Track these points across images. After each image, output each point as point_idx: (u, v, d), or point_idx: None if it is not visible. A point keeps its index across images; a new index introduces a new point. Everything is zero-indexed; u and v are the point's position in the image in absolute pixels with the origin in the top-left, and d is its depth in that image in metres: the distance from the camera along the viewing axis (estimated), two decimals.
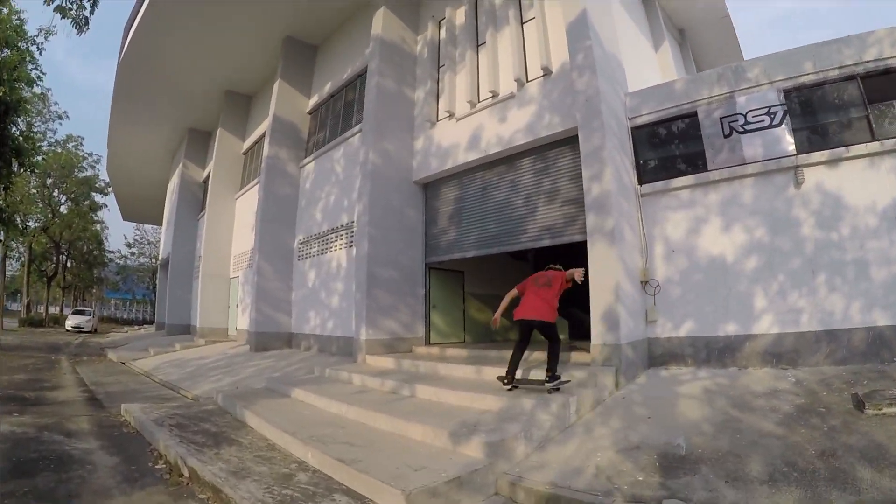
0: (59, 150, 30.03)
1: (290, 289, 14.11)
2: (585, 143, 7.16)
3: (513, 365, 6.01)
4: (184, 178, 22.21)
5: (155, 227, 44.50)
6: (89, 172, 33.20)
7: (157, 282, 27.10)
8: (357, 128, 12.21)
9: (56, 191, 32.00)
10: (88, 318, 30.84)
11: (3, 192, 15.73)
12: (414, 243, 10.98)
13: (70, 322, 29.86)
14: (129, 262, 42.99)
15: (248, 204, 17.33)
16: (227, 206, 18.39)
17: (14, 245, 30.88)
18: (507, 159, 9.18)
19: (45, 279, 36.13)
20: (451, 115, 10.16)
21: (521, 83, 8.93)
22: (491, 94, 9.38)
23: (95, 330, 30.81)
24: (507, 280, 7.58)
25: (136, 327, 35.02)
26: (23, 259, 32.76)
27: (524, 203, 8.84)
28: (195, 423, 6.28)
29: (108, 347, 18.72)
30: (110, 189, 33.95)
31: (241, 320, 16.29)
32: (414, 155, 11.15)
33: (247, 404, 6.87)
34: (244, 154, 18.81)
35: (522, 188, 8.93)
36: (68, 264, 38.36)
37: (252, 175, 17.55)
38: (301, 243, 14.13)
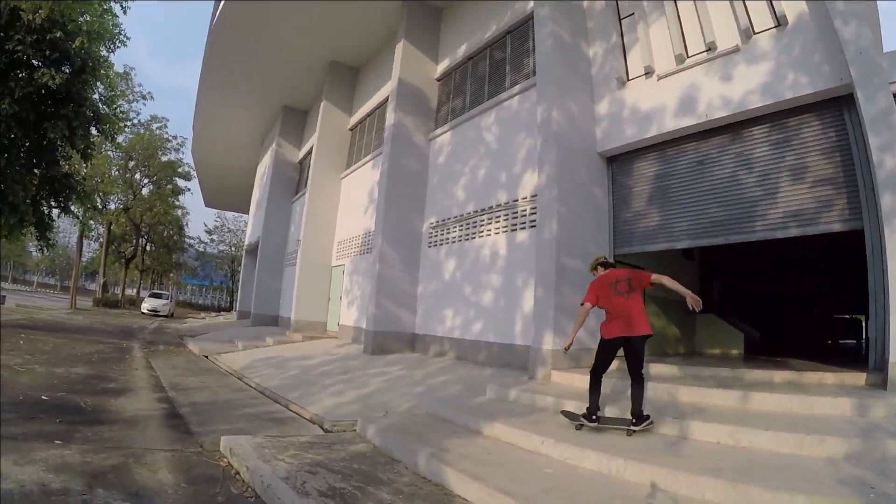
0: (143, 132, 29.29)
1: (415, 281, 11.68)
2: (868, 105, 5.50)
3: (596, 396, 4.94)
4: (277, 159, 20.50)
5: (236, 214, 44.15)
6: (173, 156, 32.54)
7: (242, 269, 25.83)
8: (517, 88, 9.96)
9: (138, 173, 31.37)
10: (166, 301, 29.93)
11: (83, 162, 14.20)
12: (601, 229, 8.32)
13: (146, 305, 28.85)
14: (208, 248, 42.86)
15: (357, 183, 15.23)
16: (332, 186, 16.29)
17: (94, 225, 30.41)
18: (731, 127, 7.07)
19: (123, 261, 35.78)
20: (649, 73, 7.90)
21: (748, 34, 6.91)
22: (706, 48, 7.30)
23: (172, 314, 29.89)
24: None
25: (214, 314, 34.21)
26: (101, 240, 32.33)
27: (758, 182, 6.76)
28: (359, 487, 3.75)
29: (187, 336, 16.98)
30: (194, 174, 33.29)
31: (347, 315, 14.13)
32: (597, 121, 8.56)
33: (436, 452, 4.44)
34: (351, 130, 16.71)
35: (755, 163, 6.84)
36: (147, 247, 38.12)
37: (363, 151, 15.38)
38: (433, 227, 11.63)
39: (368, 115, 15.49)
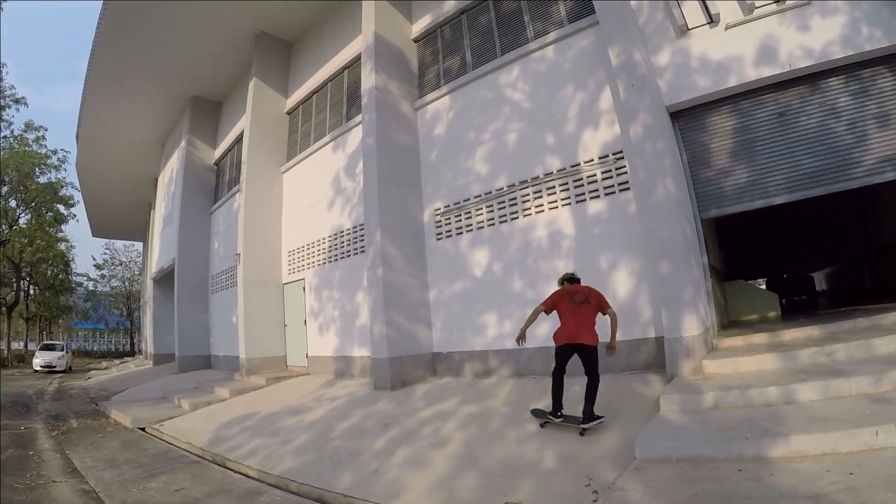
0: (16, 145, 23.13)
1: (424, 286, 8.85)
2: None
3: (559, 395, 5.04)
4: (189, 161, 16.28)
5: (127, 244, 37.61)
6: (54, 175, 26.23)
7: (151, 303, 20.70)
8: (552, 35, 7.92)
9: (13, 199, 24.86)
10: (61, 353, 23.55)
11: None
12: (683, 191, 6.50)
13: (39, 360, 22.64)
14: (98, 286, 35.69)
15: (308, 175, 11.89)
16: (272, 182, 12.60)
17: None
18: (809, 78, 6.44)
19: (3, 308, 28.76)
20: (713, 23, 6.69)
21: None
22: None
23: (70, 368, 23.69)
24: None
25: (118, 361, 28.16)
26: None
27: (847, 130, 6.27)
28: None
29: (102, 398, 12.54)
30: (78, 197, 27.21)
31: (320, 343, 10.74)
32: (659, 72, 6.86)
33: None
34: (289, 113, 13.34)
35: (841, 112, 6.33)
36: (30, 290, 30.84)
37: (312, 136, 12.08)
38: (442, 214, 8.88)
39: (316, 90, 12.26)
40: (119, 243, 36.55)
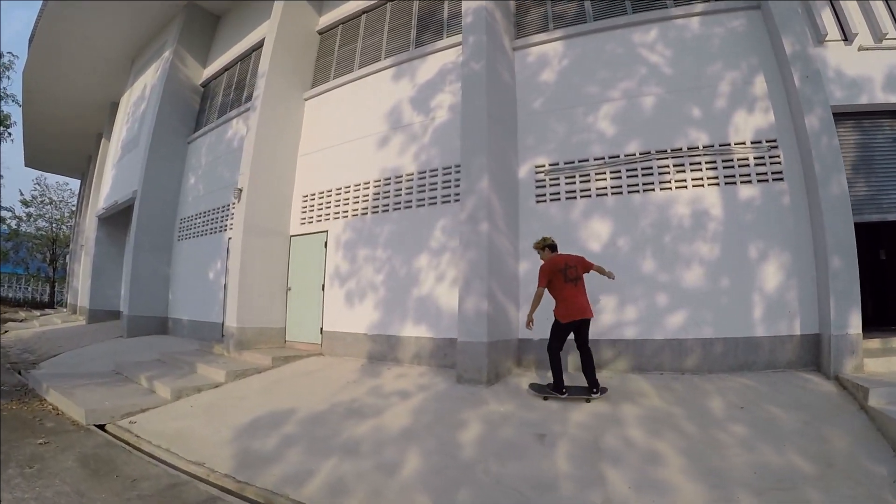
0: None
1: (516, 255, 6.73)
2: None
3: (561, 371, 5.07)
4: (172, 77, 12.97)
5: (61, 181, 32.55)
6: None
7: (90, 246, 17.05)
8: (700, 6, 6.82)
9: None
10: None
11: None
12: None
13: None
14: (23, 225, 30.27)
15: (339, 107, 9.40)
16: (291, 109, 9.95)
17: None
18: None
19: None
20: (847, 40, 6.14)
21: None
22: None
23: None
24: None
25: (37, 312, 23.71)
26: None
27: None
28: None
29: (28, 366, 9.27)
30: (14, 121, 22.63)
31: (346, 316, 8.29)
32: None
33: None
34: (322, 33, 10.69)
35: None
36: None
37: (352, 63, 9.55)
38: (546, 172, 6.89)
39: (369, 9, 9.74)
40: (52, 179, 31.58)
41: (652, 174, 6.32)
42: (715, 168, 6.18)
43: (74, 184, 30.41)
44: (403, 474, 3.60)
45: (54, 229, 31.43)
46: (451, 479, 3.51)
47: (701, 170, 6.20)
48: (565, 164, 6.78)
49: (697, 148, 6.26)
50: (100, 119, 20.28)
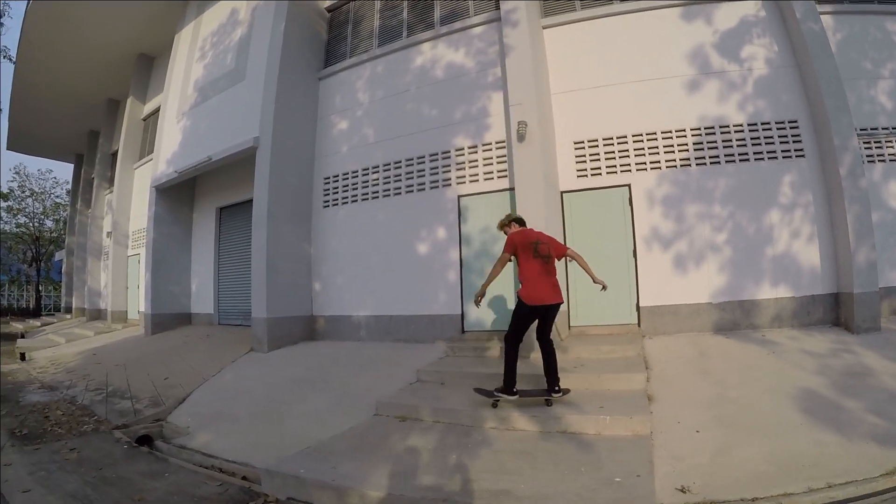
0: None
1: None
2: None
3: (515, 367, 4.36)
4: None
5: (43, 168, 26.73)
6: None
7: (150, 229, 12.15)
8: None
9: None
10: None
11: None
12: None
13: None
14: (1, 222, 23.95)
15: (596, 45, 7.11)
16: (535, 38, 7.21)
17: None
18: None
19: None
20: None
21: None
22: None
23: None
24: None
25: (37, 322, 18.28)
26: None
27: None
28: None
29: (160, 436, 5.49)
30: None
31: (673, 285, 6.38)
32: None
33: None
34: None
35: None
36: None
37: None
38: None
39: None
40: (33, 167, 25.72)
41: None
42: None
43: (61, 169, 24.82)
44: None
45: (36, 225, 25.66)
46: None
47: None
48: None
49: None
50: (115, 79, 15.53)
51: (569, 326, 6.65)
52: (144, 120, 14.53)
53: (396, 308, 7.78)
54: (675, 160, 6.65)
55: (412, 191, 7.95)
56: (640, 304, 6.58)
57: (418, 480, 3.36)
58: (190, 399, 6.37)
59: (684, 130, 6.68)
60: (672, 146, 6.67)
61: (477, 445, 3.89)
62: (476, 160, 7.50)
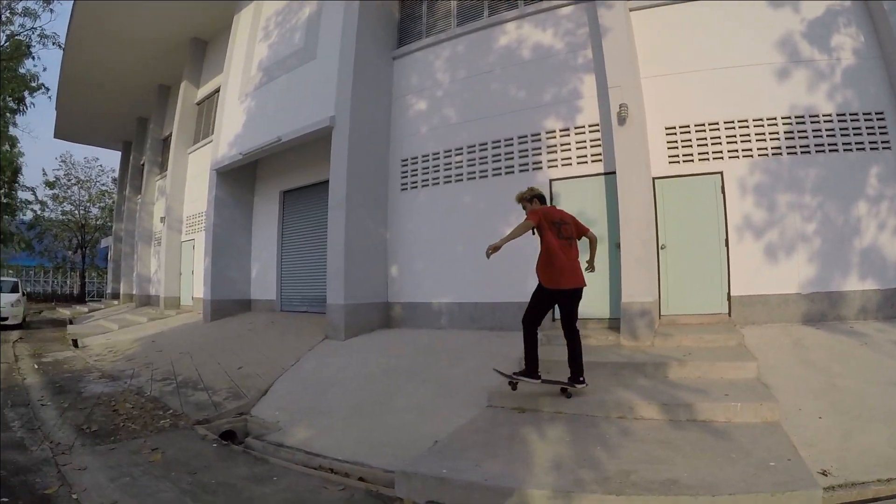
0: None
1: None
2: None
3: (536, 349, 4.29)
4: None
5: (89, 156, 27.02)
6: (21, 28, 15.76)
7: (211, 213, 11.89)
8: None
9: None
10: (15, 296, 13.64)
11: None
12: None
13: None
14: (47, 210, 24.11)
15: (686, 29, 6.75)
16: (623, 19, 6.83)
17: None
18: None
19: None
20: None
21: None
22: None
23: (25, 320, 14.12)
24: None
25: (84, 308, 18.44)
26: None
27: None
28: None
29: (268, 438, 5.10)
30: (42, 81, 17.35)
31: (765, 274, 6.26)
32: None
33: None
34: None
35: None
36: None
37: None
38: None
39: None
40: (80, 155, 26.07)
41: None
42: None
43: (106, 157, 25.03)
44: None
45: (80, 214, 25.93)
46: None
47: None
48: None
49: None
50: (166, 64, 15.41)
51: (659, 315, 6.43)
52: (198, 104, 14.35)
53: (481, 295, 7.38)
54: (766, 148, 6.42)
55: (500, 174, 7.54)
56: (731, 293, 6.40)
57: (576, 475, 3.11)
58: (273, 391, 6.02)
59: (775, 118, 6.42)
60: (763, 134, 6.44)
61: (614, 436, 3.71)
62: (568, 143, 7.14)
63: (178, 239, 13.84)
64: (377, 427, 4.68)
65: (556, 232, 4.25)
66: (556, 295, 4.24)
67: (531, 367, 4.27)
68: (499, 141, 7.59)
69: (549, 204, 4.52)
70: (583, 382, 4.24)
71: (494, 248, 4.03)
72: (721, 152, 6.52)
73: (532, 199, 4.56)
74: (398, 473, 3.37)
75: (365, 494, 3.43)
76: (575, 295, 4.26)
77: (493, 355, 6.04)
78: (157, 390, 6.27)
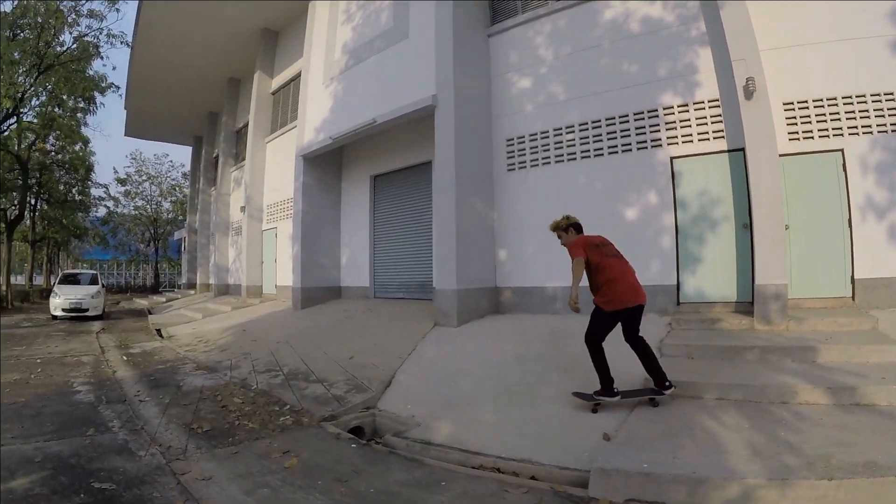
0: None
1: None
2: None
3: (607, 366, 4.16)
4: None
5: (159, 153, 28.00)
6: (87, 29, 16.35)
7: (299, 200, 12.16)
8: None
9: (22, 67, 14.22)
10: (96, 288, 14.21)
11: None
12: None
13: (61, 300, 13.19)
14: (120, 206, 25.34)
15: None
16: None
17: None
18: None
19: (1, 226, 17.57)
20: None
21: None
22: None
23: (105, 311, 14.72)
24: None
25: (162, 299, 19.21)
26: None
27: None
28: None
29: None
30: (111, 81, 17.86)
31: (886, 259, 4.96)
32: None
33: None
34: None
35: None
36: (37, 205, 20.19)
37: None
38: None
39: None
40: (150, 151, 26.91)
41: None
42: None
43: (175, 153, 25.81)
44: None
45: (151, 209, 26.92)
46: None
47: None
48: None
49: None
50: (236, 57, 15.56)
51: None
52: (274, 94, 14.44)
53: None
54: (885, 125, 5.90)
55: (616, 152, 7.15)
56: (855, 276, 6.00)
57: (780, 460, 2.99)
58: (397, 381, 5.69)
59: (892, 94, 5.88)
60: (882, 110, 5.91)
61: (792, 421, 3.63)
62: (688, 119, 6.72)
63: (258, 228, 14.06)
64: (530, 419, 4.39)
65: (603, 253, 4.18)
66: (620, 315, 4.14)
67: (606, 385, 4.18)
68: (613, 118, 7.20)
69: (574, 232, 4.47)
70: (669, 387, 4.07)
71: (575, 302, 4.03)
72: (841, 129, 6.07)
73: (568, 228, 4.46)
74: (595, 471, 3.09)
75: (553, 496, 3.03)
76: (638, 312, 4.17)
77: (622, 340, 5.72)
78: (264, 383, 5.89)
